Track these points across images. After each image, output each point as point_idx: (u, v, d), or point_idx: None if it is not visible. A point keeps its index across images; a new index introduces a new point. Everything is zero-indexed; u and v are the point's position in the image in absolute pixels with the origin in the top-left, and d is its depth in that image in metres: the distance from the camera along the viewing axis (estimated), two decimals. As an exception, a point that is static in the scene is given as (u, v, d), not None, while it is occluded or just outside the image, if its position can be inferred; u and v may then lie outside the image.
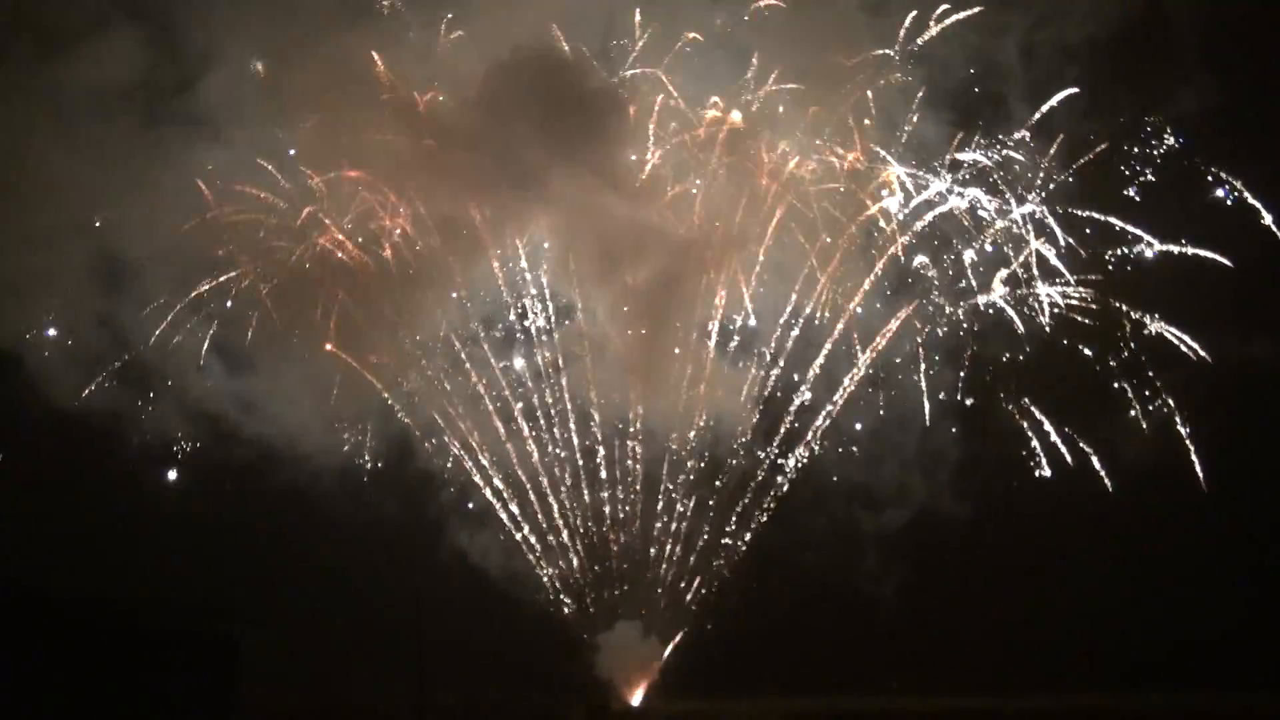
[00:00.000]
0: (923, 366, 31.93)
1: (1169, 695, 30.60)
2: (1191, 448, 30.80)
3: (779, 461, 32.67)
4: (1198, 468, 30.81)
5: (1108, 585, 31.55)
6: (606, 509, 32.84)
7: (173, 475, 32.56)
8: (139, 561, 30.63)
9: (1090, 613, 31.56)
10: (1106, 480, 31.14)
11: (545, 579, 32.82)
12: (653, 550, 32.81)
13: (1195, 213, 31.10)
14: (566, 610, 32.88)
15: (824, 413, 32.38)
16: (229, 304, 31.77)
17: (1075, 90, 31.30)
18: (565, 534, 32.78)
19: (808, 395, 32.41)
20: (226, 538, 31.92)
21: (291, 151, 31.55)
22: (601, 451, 32.87)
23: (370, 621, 31.74)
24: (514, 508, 32.66)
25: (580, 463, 32.82)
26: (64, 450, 31.48)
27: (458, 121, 30.99)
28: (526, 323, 32.99)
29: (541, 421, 32.73)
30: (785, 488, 32.66)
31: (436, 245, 31.77)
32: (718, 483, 32.69)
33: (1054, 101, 31.32)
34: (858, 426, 32.65)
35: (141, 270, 31.20)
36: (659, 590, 32.74)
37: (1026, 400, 31.73)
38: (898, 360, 32.31)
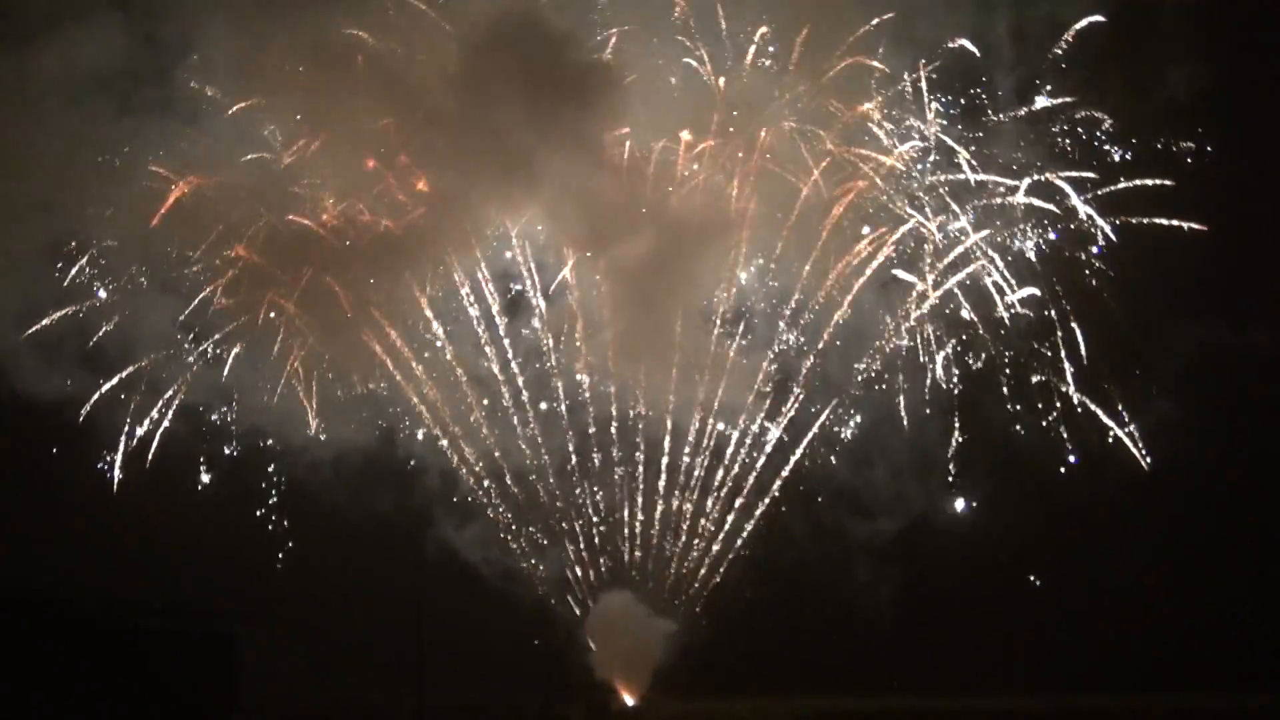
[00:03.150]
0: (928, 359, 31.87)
1: (1169, 695, 30.60)
2: (1189, 444, 30.71)
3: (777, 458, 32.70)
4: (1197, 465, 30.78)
5: (1107, 585, 31.53)
6: (603, 497, 32.75)
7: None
8: (136, 561, 30.66)
9: (1090, 613, 31.55)
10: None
11: (542, 575, 32.81)
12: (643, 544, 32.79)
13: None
14: (564, 606, 32.88)
15: (823, 411, 32.43)
16: (208, 288, 31.48)
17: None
18: (561, 526, 32.71)
19: (804, 389, 32.42)
20: (224, 537, 31.94)
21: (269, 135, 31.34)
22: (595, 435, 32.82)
23: (369, 621, 31.76)
24: (507, 500, 32.63)
25: (573, 450, 32.74)
26: (48, 445, 31.45)
27: (442, 101, 30.63)
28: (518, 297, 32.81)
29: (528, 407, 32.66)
30: (782, 485, 32.66)
31: (422, 224, 31.49)
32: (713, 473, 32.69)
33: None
34: (856, 422, 32.65)
35: (117, 257, 31.11)
36: (658, 571, 32.66)
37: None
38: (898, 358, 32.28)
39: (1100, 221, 30.96)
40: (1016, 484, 32.17)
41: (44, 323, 30.95)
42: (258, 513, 32.32)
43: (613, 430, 32.66)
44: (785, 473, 32.52)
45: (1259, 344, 30.67)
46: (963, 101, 31.78)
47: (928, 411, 31.84)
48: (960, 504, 32.36)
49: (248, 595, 30.19)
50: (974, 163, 31.54)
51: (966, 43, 31.29)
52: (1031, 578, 32.54)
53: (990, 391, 31.94)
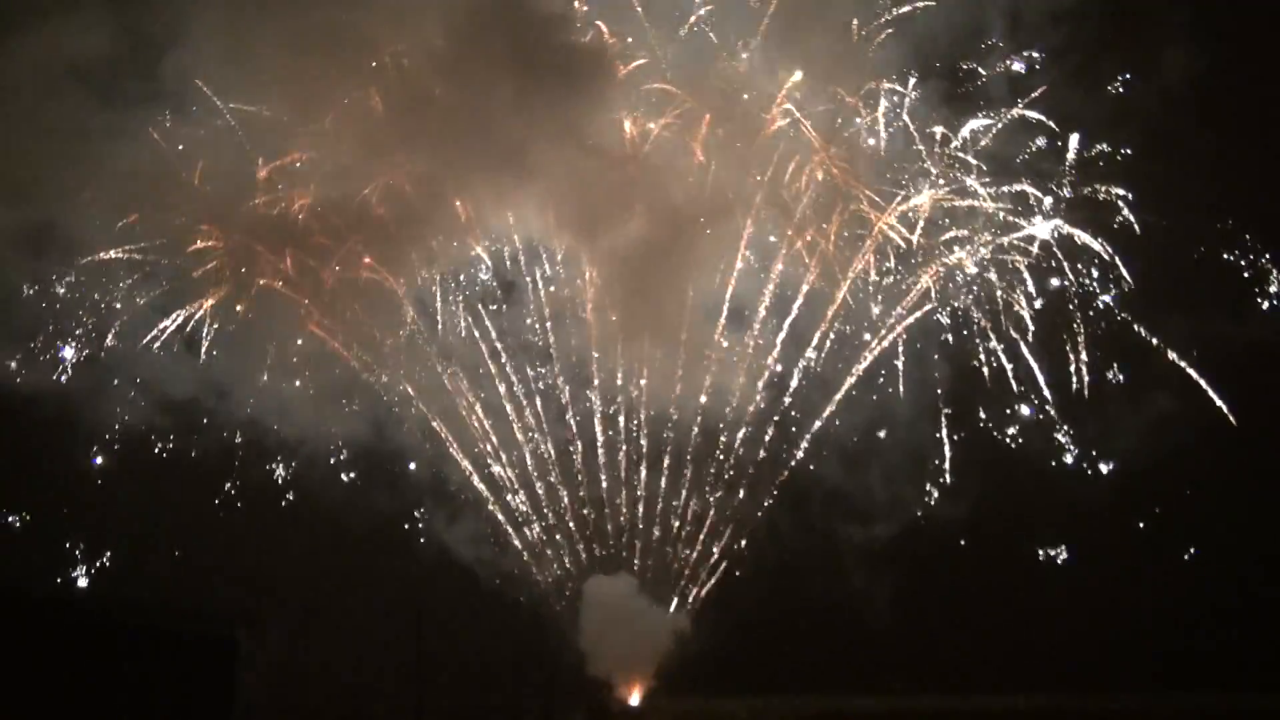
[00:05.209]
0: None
1: (1169, 695, 30.61)
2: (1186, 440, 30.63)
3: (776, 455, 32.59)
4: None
5: (1107, 584, 31.52)
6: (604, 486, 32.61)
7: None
8: (138, 561, 30.59)
9: (1089, 612, 31.53)
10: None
11: (540, 576, 32.71)
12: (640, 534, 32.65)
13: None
14: (561, 604, 32.79)
15: (824, 410, 32.36)
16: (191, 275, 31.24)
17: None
18: (559, 522, 32.59)
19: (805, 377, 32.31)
20: (227, 538, 31.84)
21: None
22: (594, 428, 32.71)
23: (369, 623, 31.69)
24: (506, 499, 32.47)
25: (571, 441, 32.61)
26: (47, 444, 31.29)
27: (432, 86, 30.39)
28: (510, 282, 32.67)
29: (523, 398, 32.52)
30: (781, 481, 32.59)
31: (411, 209, 31.21)
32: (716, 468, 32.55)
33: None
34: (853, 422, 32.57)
35: (99, 252, 30.86)
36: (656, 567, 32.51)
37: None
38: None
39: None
40: (1014, 483, 32.16)
41: (23, 313, 30.96)
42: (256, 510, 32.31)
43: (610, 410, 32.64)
44: (784, 470, 32.59)
45: (1260, 337, 30.62)
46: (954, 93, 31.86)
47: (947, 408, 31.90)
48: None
49: (248, 596, 30.11)
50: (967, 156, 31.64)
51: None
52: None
53: (986, 388, 32.01)
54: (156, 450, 31.79)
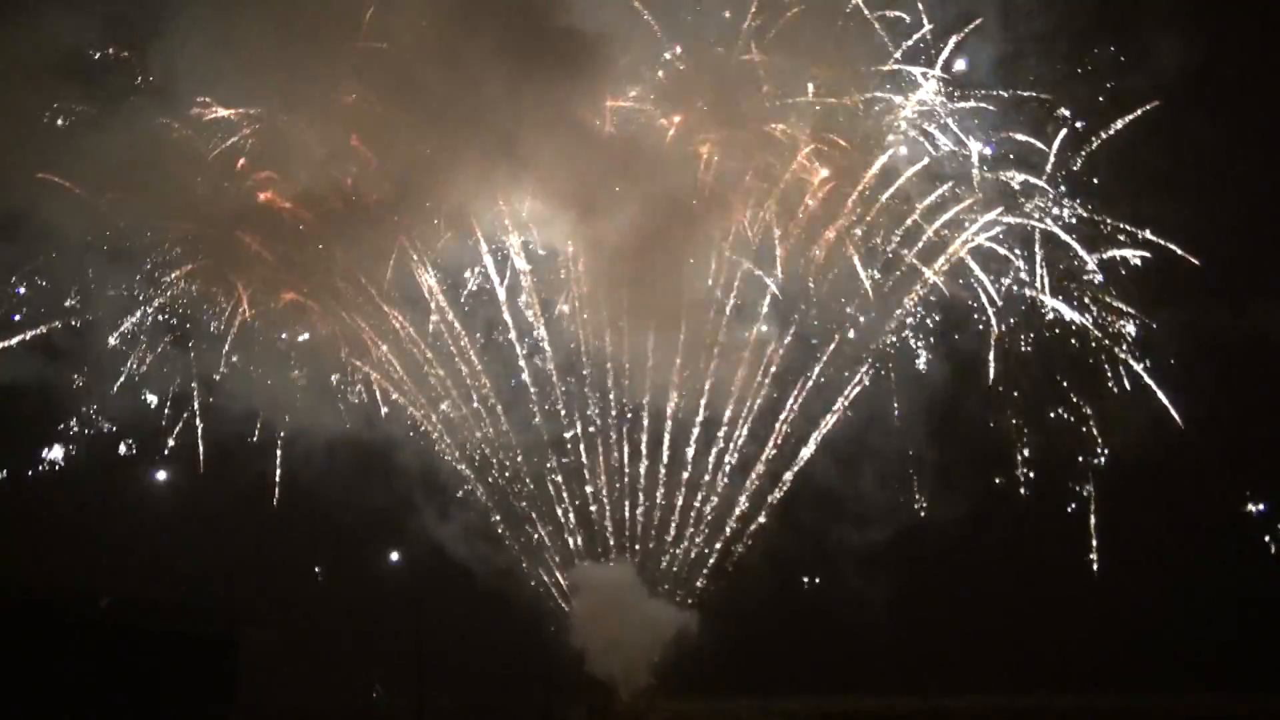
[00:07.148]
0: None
1: (1169, 695, 30.61)
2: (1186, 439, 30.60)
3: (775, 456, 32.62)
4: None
5: (1106, 585, 31.53)
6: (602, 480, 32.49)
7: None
8: (139, 561, 30.62)
9: (1089, 613, 31.54)
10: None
11: (538, 573, 32.73)
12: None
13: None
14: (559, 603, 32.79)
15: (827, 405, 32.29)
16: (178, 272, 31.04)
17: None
18: (557, 518, 32.57)
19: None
20: (225, 537, 31.85)
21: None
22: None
23: (369, 622, 31.73)
24: (503, 496, 32.40)
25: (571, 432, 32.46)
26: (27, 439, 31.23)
27: (420, 71, 29.86)
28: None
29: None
30: (784, 488, 32.57)
31: (400, 198, 31.01)
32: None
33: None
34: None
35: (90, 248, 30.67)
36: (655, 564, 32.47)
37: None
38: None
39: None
40: (1012, 483, 32.21)
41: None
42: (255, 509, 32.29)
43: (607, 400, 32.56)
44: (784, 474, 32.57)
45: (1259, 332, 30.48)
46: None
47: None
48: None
49: (248, 595, 30.09)
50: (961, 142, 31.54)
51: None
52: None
53: (983, 388, 32.00)
54: (148, 448, 31.83)
